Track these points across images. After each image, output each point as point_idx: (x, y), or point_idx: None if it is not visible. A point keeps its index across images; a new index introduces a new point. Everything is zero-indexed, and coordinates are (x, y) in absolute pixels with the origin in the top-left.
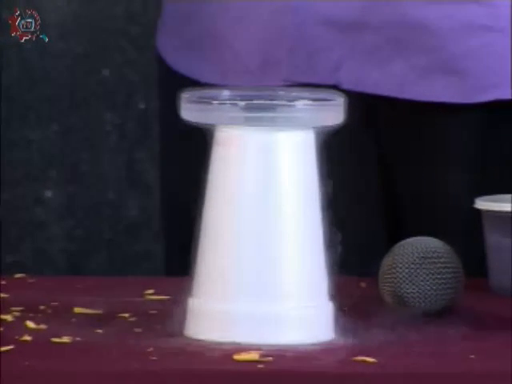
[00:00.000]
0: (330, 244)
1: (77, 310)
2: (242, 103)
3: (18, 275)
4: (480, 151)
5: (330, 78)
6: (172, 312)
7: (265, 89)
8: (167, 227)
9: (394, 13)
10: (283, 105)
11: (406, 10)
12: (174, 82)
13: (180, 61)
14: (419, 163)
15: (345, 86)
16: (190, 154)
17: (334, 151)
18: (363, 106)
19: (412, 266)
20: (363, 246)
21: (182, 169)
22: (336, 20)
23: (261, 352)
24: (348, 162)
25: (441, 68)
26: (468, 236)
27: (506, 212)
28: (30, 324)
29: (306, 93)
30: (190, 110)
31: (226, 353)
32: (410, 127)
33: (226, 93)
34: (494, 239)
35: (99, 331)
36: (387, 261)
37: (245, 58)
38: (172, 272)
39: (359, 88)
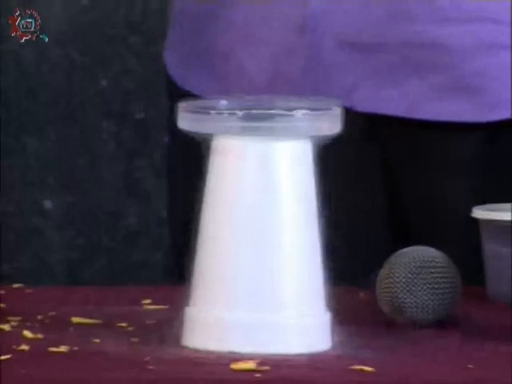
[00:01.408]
0: (329, 253)
1: (74, 319)
2: (240, 113)
3: (16, 285)
4: (482, 163)
5: (344, 99)
6: (169, 321)
7: (262, 98)
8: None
9: (407, 32)
10: (281, 114)
11: (420, 29)
12: (180, 98)
13: (186, 77)
14: (421, 174)
15: (359, 108)
16: (197, 164)
17: (338, 162)
18: (369, 120)
19: (409, 275)
20: (366, 255)
21: (187, 179)
22: (351, 41)
23: (258, 361)
24: (352, 174)
25: (455, 87)
26: (465, 245)
27: (504, 221)
28: (28, 333)
29: (303, 102)
30: (187, 120)
31: (223, 362)
32: (414, 141)
33: (223, 102)
34: (491, 248)
35: (96, 341)
36: (384, 270)
37: (253, 76)
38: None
39: (374, 109)
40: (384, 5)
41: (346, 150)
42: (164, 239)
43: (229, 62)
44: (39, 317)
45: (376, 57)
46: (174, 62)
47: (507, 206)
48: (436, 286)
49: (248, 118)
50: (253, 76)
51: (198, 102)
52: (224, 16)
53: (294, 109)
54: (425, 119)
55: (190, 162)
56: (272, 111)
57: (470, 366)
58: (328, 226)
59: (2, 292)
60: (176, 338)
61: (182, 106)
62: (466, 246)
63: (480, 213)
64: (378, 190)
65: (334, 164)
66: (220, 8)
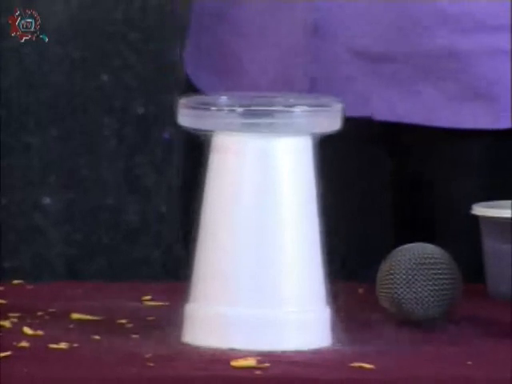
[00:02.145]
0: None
1: (74, 316)
2: (240, 109)
3: (16, 281)
4: (489, 164)
5: (361, 109)
6: (170, 318)
7: (262, 95)
8: None
9: (421, 41)
10: (281, 111)
11: (434, 38)
12: None
13: (199, 77)
14: (427, 174)
15: (378, 117)
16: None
17: (344, 162)
18: (381, 127)
19: (409, 271)
20: (367, 251)
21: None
22: (364, 50)
23: (258, 358)
24: (357, 173)
25: (469, 94)
26: (466, 241)
27: (504, 218)
28: (28, 330)
29: (303, 99)
30: (187, 116)
31: (224, 359)
32: (421, 143)
33: (223, 99)
34: (491, 245)
35: (97, 337)
36: (385, 266)
37: (263, 85)
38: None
39: (391, 118)
40: (396, 14)
41: (351, 150)
42: (164, 236)
43: (237, 64)
44: (39, 313)
45: (390, 66)
46: (190, 61)
47: (507, 202)
48: (436, 283)
49: (248, 114)
50: (263, 86)
51: (198, 99)
52: (234, 17)
53: (294, 105)
54: (441, 127)
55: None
56: (272, 108)
57: (470, 362)
58: (328, 222)
59: (2, 288)
60: (176, 335)
61: (182, 103)
62: (466, 242)
63: (480, 210)
64: (381, 188)
65: (341, 163)
66: (231, 9)
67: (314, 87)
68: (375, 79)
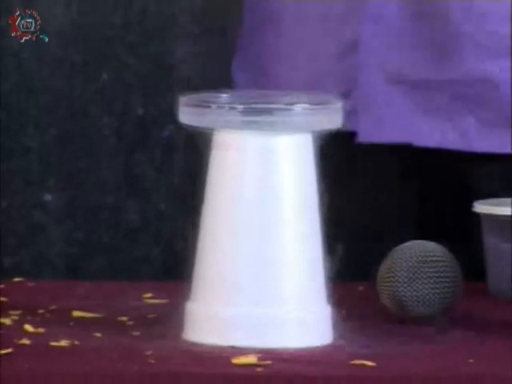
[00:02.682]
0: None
1: (75, 313)
2: (241, 107)
3: (17, 279)
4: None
5: (401, 136)
6: (170, 316)
7: (263, 93)
8: None
9: (457, 69)
10: (281, 109)
11: (468, 65)
12: None
13: (239, 84)
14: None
15: (418, 143)
16: None
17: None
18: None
19: (410, 269)
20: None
21: None
22: (402, 78)
23: (259, 355)
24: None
25: (503, 121)
26: (467, 239)
27: (505, 216)
28: (29, 327)
29: (304, 97)
30: (188, 114)
31: (225, 356)
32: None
33: (224, 96)
34: (492, 243)
35: (97, 335)
36: (386, 264)
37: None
38: None
39: (430, 144)
40: (431, 42)
41: (354, 149)
42: (164, 234)
43: (273, 77)
44: (40, 311)
45: (428, 93)
46: (235, 69)
47: (508, 200)
48: (437, 281)
49: (248, 112)
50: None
51: (199, 96)
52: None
53: (294, 103)
54: (476, 152)
55: None
56: (272, 105)
57: (471, 360)
58: (329, 220)
59: (3, 286)
60: (177, 333)
61: (183, 100)
62: (467, 240)
63: (481, 207)
64: (383, 186)
65: (342, 161)
66: (281, 13)
67: (357, 116)
68: (415, 106)
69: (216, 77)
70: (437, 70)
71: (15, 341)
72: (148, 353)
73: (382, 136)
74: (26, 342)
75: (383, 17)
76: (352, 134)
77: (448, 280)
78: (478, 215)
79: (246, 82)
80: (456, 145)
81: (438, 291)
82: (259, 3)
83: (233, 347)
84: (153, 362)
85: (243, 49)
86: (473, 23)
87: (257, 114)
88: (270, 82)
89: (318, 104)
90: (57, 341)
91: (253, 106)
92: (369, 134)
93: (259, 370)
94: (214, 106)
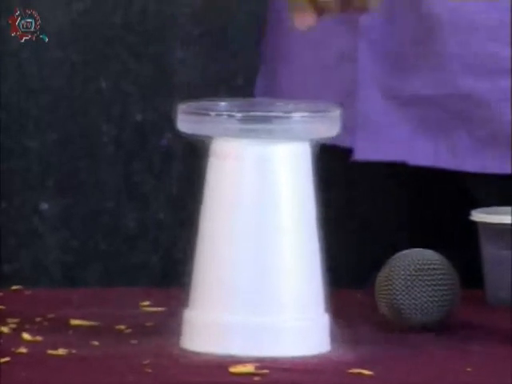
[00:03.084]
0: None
1: (73, 321)
2: (239, 115)
3: (15, 287)
4: None
5: (396, 154)
6: (168, 323)
7: (261, 101)
8: None
9: (448, 86)
10: (279, 117)
11: (457, 83)
12: None
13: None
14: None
15: (412, 162)
16: None
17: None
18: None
19: (408, 277)
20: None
21: None
22: (395, 94)
23: (257, 364)
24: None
25: (493, 140)
26: (464, 247)
27: (502, 224)
28: (27, 336)
29: (302, 105)
30: (186, 122)
31: (222, 365)
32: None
33: (222, 104)
34: (490, 251)
35: (95, 343)
36: (384, 272)
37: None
38: None
39: (425, 163)
40: (424, 59)
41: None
42: (162, 242)
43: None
44: (38, 319)
45: (425, 111)
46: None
47: (506, 209)
48: (435, 289)
49: (246, 120)
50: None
51: (197, 104)
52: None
53: (292, 111)
54: (471, 172)
55: None
56: (270, 114)
57: (469, 369)
58: (327, 227)
59: (1, 294)
60: (175, 341)
61: (181, 108)
62: (464, 248)
63: (479, 216)
64: (380, 194)
65: (340, 170)
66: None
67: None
68: (413, 124)
69: (216, 79)
70: (429, 87)
71: (13, 349)
72: (145, 361)
73: (378, 154)
74: (23, 350)
75: (375, 34)
76: (349, 149)
77: (446, 288)
78: (475, 223)
79: (264, 91)
80: (449, 164)
81: (435, 299)
82: (282, 14)
83: (230, 356)
84: (150, 370)
85: (265, 59)
86: (459, 42)
87: (255, 122)
88: (284, 91)
89: (316, 112)
90: (54, 349)
91: (251, 113)
92: (365, 151)
93: (256, 378)
94: (212, 113)
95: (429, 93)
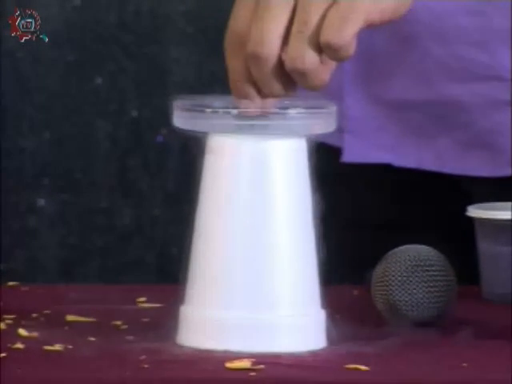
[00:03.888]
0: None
1: (69, 317)
2: (235, 111)
3: (11, 283)
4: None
5: (384, 157)
6: (164, 319)
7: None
8: None
9: (431, 91)
10: (276, 113)
11: (439, 88)
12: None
13: None
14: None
15: (397, 164)
16: None
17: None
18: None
19: (404, 273)
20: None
21: None
22: (387, 100)
23: (253, 360)
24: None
25: (474, 143)
26: (460, 243)
27: (499, 220)
28: (23, 332)
29: (298, 101)
30: (182, 118)
31: (218, 360)
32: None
33: (218, 101)
34: (486, 247)
35: (92, 339)
36: (380, 268)
37: None
38: None
39: (409, 165)
40: (409, 63)
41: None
42: (158, 238)
43: None
44: (34, 315)
45: (409, 115)
46: None
47: (502, 204)
48: (431, 285)
49: (242, 116)
50: None
51: (193, 101)
52: None
53: (289, 107)
54: (452, 174)
55: None
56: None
57: (465, 364)
58: (322, 224)
59: None
60: (171, 337)
61: (177, 104)
62: (461, 244)
63: (475, 211)
64: (376, 190)
65: (336, 166)
66: None
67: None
68: (398, 127)
69: (211, 77)
70: (412, 91)
71: (9, 345)
72: (142, 357)
73: (366, 156)
74: (19, 346)
75: (359, 39)
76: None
77: (442, 284)
78: (471, 219)
79: None
80: (431, 167)
81: (432, 295)
82: None
83: (226, 351)
84: (146, 366)
85: None
86: (441, 48)
87: (251, 118)
88: None
89: (312, 108)
90: (51, 345)
91: (247, 110)
92: (353, 153)
93: (253, 374)
94: (208, 110)
95: (411, 98)
